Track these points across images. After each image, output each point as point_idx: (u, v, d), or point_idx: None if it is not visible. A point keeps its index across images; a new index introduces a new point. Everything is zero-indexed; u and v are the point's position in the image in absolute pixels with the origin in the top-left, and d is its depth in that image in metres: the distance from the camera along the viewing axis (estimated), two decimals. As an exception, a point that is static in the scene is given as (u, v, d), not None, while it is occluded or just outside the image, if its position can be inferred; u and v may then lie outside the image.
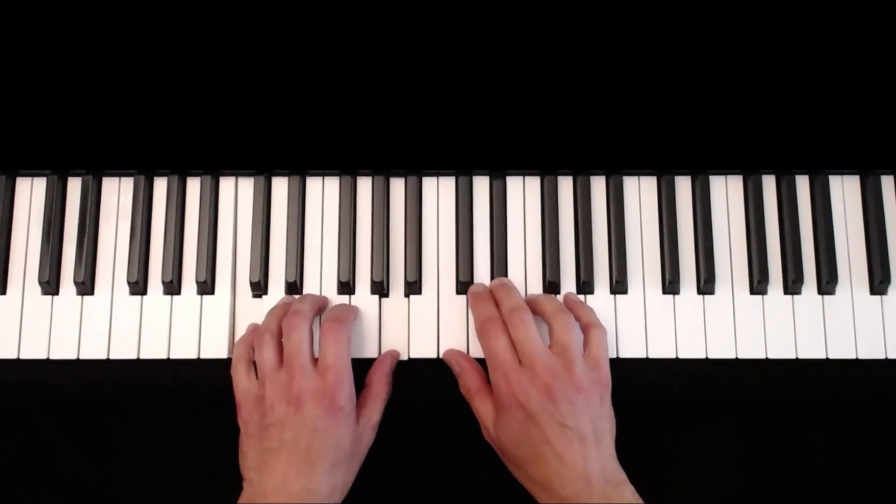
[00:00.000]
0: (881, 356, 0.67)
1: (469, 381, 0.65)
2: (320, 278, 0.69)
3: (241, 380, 0.64)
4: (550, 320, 0.64)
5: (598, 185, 0.71)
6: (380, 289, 0.69)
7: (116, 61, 0.70)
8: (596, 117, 0.70)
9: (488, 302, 0.65)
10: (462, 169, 0.70)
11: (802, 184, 0.71)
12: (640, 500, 0.59)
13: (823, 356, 0.67)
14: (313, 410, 0.60)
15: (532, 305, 0.65)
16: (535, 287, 0.69)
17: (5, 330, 0.68)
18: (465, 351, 0.67)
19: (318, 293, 0.69)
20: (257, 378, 0.63)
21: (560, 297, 0.68)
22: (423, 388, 0.68)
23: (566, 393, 0.60)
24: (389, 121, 0.70)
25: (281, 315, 0.64)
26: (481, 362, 0.65)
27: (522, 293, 0.68)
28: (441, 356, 0.67)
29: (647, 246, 0.69)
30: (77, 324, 0.68)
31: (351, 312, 0.66)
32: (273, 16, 0.70)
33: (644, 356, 0.67)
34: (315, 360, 0.62)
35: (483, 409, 0.63)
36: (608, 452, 0.60)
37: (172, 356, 0.67)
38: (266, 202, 0.70)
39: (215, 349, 0.68)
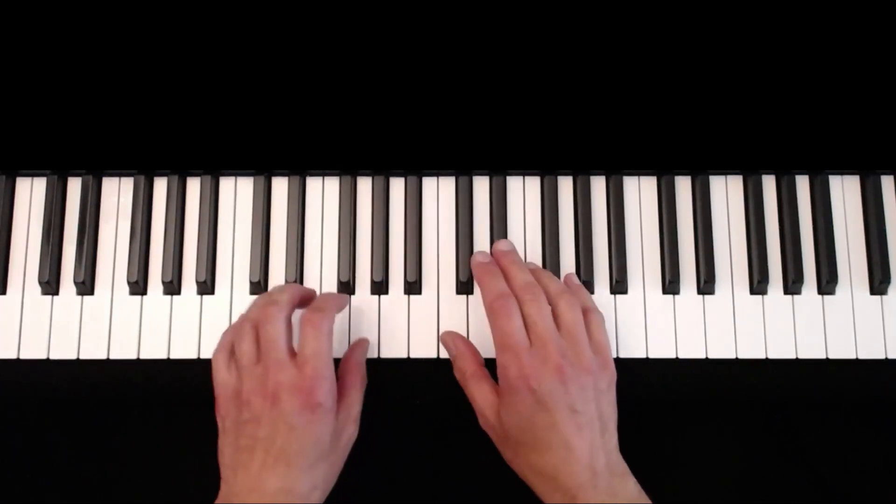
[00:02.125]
0: (881, 356, 0.67)
1: (465, 364, 0.63)
2: (320, 278, 0.69)
3: (221, 371, 0.61)
4: (556, 300, 0.62)
5: (598, 185, 0.70)
6: (379, 289, 0.69)
7: (116, 61, 0.70)
8: (596, 117, 0.70)
9: (498, 276, 0.63)
10: (462, 169, 0.70)
11: (802, 184, 0.71)
12: (643, 492, 0.58)
13: (823, 356, 0.67)
14: (290, 406, 0.57)
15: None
16: (535, 287, 0.69)
17: (5, 330, 0.68)
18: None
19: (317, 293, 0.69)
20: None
21: (561, 279, 0.68)
22: (423, 388, 0.68)
23: (577, 376, 0.58)
24: (389, 121, 0.70)
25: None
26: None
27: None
28: (439, 337, 0.67)
29: (647, 246, 0.69)
30: (77, 324, 0.68)
31: (334, 302, 0.63)
32: (273, 15, 0.70)
33: (644, 356, 0.67)
34: (293, 354, 0.59)
35: (480, 393, 0.61)
36: (613, 441, 0.59)
37: (172, 356, 0.68)
38: (266, 202, 0.70)
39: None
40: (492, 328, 0.61)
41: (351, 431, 0.61)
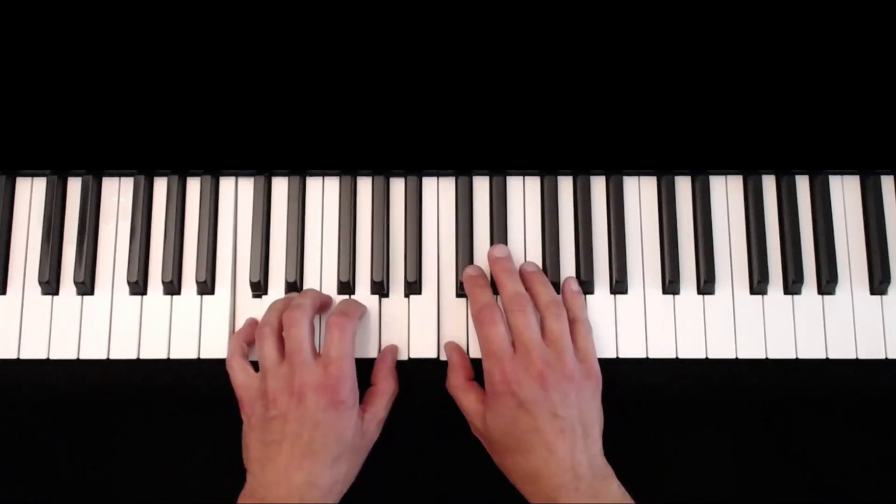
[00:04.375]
0: (881, 356, 0.67)
1: (454, 377, 0.65)
2: (320, 278, 0.69)
3: (239, 374, 0.64)
4: (543, 310, 0.64)
5: (598, 185, 0.70)
6: (380, 289, 0.69)
7: (116, 61, 0.70)
8: (596, 117, 0.70)
9: (486, 288, 0.66)
10: (462, 169, 0.70)
11: (802, 184, 0.71)
12: (627, 494, 0.59)
13: (823, 356, 0.67)
14: (315, 403, 0.60)
15: (527, 284, 0.66)
16: (535, 287, 0.69)
17: (5, 330, 0.68)
18: (464, 349, 0.67)
19: (318, 293, 0.69)
20: (255, 372, 0.64)
21: (561, 279, 0.68)
22: (423, 388, 0.68)
23: (558, 383, 0.60)
24: (389, 121, 0.70)
25: (281, 309, 0.64)
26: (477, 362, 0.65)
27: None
28: (440, 340, 0.68)
29: (647, 246, 0.69)
30: (77, 324, 0.68)
31: (358, 308, 0.66)
32: (273, 15, 0.70)
33: (644, 356, 0.67)
34: (317, 354, 0.62)
35: (467, 402, 0.64)
36: (596, 446, 0.61)
37: (172, 356, 0.68)
38: (266, 202, 0.70)
39: (215, 349, 0.67)
40: (478, 336, 0.64)
41: (373, 433, 0.64)
